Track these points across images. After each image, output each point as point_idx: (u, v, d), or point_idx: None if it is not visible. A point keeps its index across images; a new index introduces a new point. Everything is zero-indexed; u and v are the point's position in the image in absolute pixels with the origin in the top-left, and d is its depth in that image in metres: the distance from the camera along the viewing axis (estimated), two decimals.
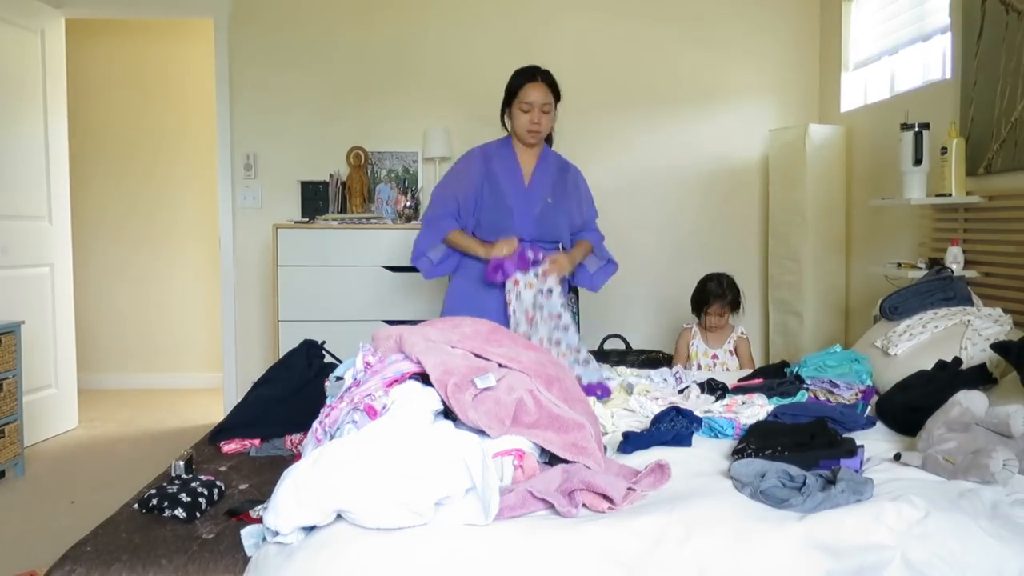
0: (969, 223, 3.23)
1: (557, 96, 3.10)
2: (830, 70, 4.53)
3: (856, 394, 2.42)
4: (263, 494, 1.84)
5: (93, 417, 4.84)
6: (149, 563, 1.55)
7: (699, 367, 3.63)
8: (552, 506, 1.59)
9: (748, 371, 3.13)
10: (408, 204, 4.38)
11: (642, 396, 2.43)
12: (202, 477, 1.92)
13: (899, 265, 3.41)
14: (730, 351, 3.72)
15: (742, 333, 3.77)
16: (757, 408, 2.23)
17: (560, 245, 3.16)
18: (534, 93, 3.04)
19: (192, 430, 4.41)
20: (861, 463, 1.85)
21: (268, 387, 2.53)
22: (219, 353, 5.14)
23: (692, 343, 3.75)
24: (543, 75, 3.07)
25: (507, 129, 3.17)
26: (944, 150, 3.14)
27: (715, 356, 3.73)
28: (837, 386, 2.45)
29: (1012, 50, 2.97)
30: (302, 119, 4.63)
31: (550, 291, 2.90)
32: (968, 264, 3.13)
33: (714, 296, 3.69)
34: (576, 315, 3.81)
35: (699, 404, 2.38)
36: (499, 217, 3.04)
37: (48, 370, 4.43)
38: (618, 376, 2.86)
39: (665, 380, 2.77)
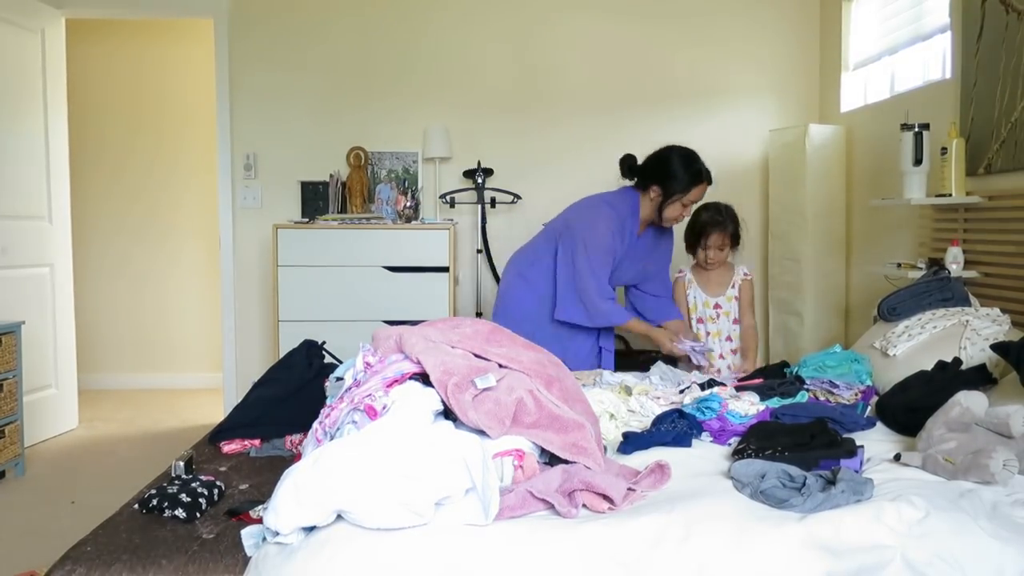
0: (969, 223, 3.23)
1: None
2: (830, 70, 4.53)
3: (856, 394, 2.42)
4: (263, 494, 1.84)
5: (93, 417, 4.85)
6: (149, 563, 1.55)
7: (700, 321, 3.33)
8: (552, 506, 1.59)
9: (747, 371, 3.09)
10: (408, 204, 4.38)
11: (642, 396, 2.43)
12: (202, 477, 1.92)
13: (899, 265, 3.41)
14: (735, 298, 3.30)
15: (746, 274, 3.34)
16: (747, 404, 2.23)
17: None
18: (700, 193, 3.12)
19: (192, 430, 4.41)
20: (861, 463, 1.85)
21: (268, 387, 2.53)
22: (219, 353, 5.14)
23: (689, 293, 3.36)
24: (708, 175, 3.13)
25: (644, 194, 3.17)
26: (944, 150, 3.14)
27: (718, 306, 3.31)
28: (837, 386, 2.45)
29: (1012, 50, 2.97)
30: (302, 119, 4.63)
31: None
32: (968, 264, 3.13)
33: (711, 225, 3.27)
34: None
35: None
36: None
37: (48, 370, 4.43)
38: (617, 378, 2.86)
39: (662, 378, 2.76)
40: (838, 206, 4.22)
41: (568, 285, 3.15)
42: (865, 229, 4.14)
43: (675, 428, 2.09)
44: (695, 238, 3.32)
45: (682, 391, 2.58)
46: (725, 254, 3.31)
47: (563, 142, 4.67)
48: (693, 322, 3.35)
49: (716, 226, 3.26)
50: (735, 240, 3.32)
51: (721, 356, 3.32)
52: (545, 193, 4.53)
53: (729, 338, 3.34)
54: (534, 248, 3.34)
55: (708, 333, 3.34)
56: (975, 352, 2.46)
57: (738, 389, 2.47)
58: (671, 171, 3.08)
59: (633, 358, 3.90)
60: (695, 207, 3.16)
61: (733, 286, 3.31)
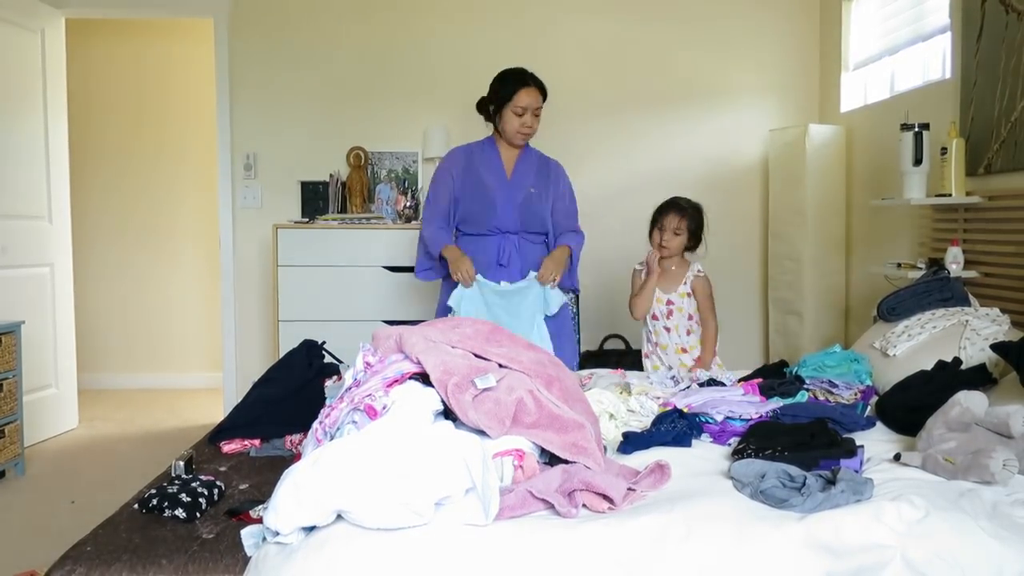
0: (969, 223, 3.23)
1: (545, 95, 3.19)
2: (830, 70, 4.53)
3: (856, 394, 2.42)
4: (263, 494, 1.84)
5: (93, 417, 4.84)
6: (149, 563, 1.55)
7: (655, 317, 3.24)
8: (552, 506, 1.59)
9: (748, 371, 3.06)
10: (408, 204, 4.38)
11: (642, 396, 2.43)
12: (202, 477, 1.92)
13: (899, 265, 3.41)
14: (687, 294, 3.21)
15: (699, 271, 3.23)
16: (749, 406, 2.24)
17: (545, 238, 3.23)
18: (528, 97, 3.11)
19: (192, 430, 4.41)
20: (861, 463, 1.85)
21: (268, 387, 2.53)
22: (219, 353, 5.14)
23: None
24: (534, 79, 3.16)
25: (495, 127, 3.23)
26: (944, 150, 3.14)
27: (670, 302, 3.22)
28: (836, 386, 2.45)
29: (1012, 50, 2.97)
30: (302, 119, 4.63)
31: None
32: (968, 264, 3.13)
33: (669, 206, 3.22)
34: (576, 316, 3.82)
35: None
36: (482, 209, 3.15)
37: (48, 370, 4.43)
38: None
39: (663, 383, 2.74)
40: (838, 206, 4.22)
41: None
42: (865, 229, 4.14)
43: (675, 428, 2.09)
44: (653, 222, 3.28)
45: (683, 391, 2.58)
46: (680, 242, 3.21)
47: (563, 142, 4.64)
48: (647, 318, 3.27)
49: (673, 207, 3.22)
50: (693, 235, 3.22)
51: (684, 351, 3.22)
52: None
53: (689, 332, 3.24)
54: None
55: (667, 329, 3.25)
56: (975, 352, 2.46)
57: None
58: (493, 87, 3.19)
59: (635, 356, 3.90)
60: (534, 118, 3.13)
61: (685, 282, 3.22)
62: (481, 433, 1.74)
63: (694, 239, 3.24)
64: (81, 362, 4.90)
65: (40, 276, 4.39)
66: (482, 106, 3.23)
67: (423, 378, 1.86)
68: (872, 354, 2.74)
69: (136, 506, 1.80)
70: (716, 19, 4.65)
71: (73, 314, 4.66)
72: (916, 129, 3.20)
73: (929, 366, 2.43)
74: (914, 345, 2.63)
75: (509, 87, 3.13)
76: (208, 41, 4.91)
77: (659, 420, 2.16)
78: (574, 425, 1.80)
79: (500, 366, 1.94)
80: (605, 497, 1.61)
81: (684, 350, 3.25)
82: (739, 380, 2.63)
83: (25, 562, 2.73)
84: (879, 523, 1.48)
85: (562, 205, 3.26)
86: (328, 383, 2.51)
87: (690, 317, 3.25)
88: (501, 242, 3.15)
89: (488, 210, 3.14)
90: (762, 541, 1.47)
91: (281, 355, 3.26)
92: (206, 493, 1.81)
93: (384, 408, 1.75)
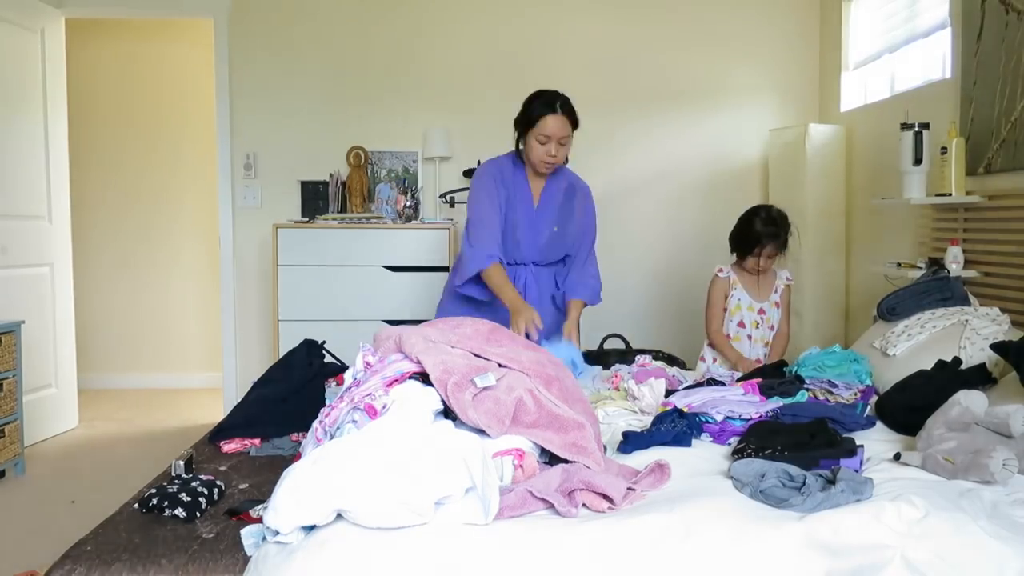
0: (969, 223, 3.23)
1: (575, 124, 2.97)
2: (830, 70, 4.53)
3: (855, 394, 2.42)
4: (263, 494, 1.84)
5: (93, 417, 4.85)
6: (149, 563, 1.55)
7: (741, 324, 3.15)
8: (552, 506, 1.59)
9: (747, 372, 3.05)
10: (408, 204, 4.38)
11: (612, 408, 2.40)
12: (202, 477, 1.92)
13: (899, 265, 3.41)
14: (776, 303, 3.16)
15: (788, 279, 3.21)
16: (749, 406, 2.23)
17: (562, 262, 3.14)
18: (553, 125, 2.89)
19: (192, 430, 4.41)
20: (861, 463, 1.84)
21: (268, 387, 2.53)
22: (219, 353, 5.14)
23: (732, 295, 3.17)
24: (563, 105, 2.91)
25: (518, 151, 3.03)
26: (944, 150, 3.14)
27: (762, 311, 3.16)
28: (836, 386, 2.45)
29: (1012, 50, 2.97)
30: (302, 119, 4.64)
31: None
32: (968, 264, 3.13)
33: (768, 237, 3.06)
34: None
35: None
36: (508, 244, 3.00)
37: (48, 370, 4.43)
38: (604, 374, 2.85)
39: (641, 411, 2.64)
40: (838, 206, 4.22)
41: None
42: (865, 229, 4.14)
43: (675, 428, 2.09)
44: (748, 246, 3.12)
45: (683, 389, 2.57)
46: (775, 260, 3.17)
47: None
48: (733, 325, 3.16)
49: (772, 238, 3.08)
50: (785, 246, 3.16)
51: (758, 361, 3.13)
52: None
53: (766, 343, 3.20)
54: None
55: (750, 337, 3.17)
56: (975, 352, 2.46)
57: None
58: (522, 108, 2.94)
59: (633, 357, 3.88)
60: (560, 146, 2.90)
61: (776, 291, 3.18)
62: (481, 432, 1.74)
63: (784, 246, 3.16)
64: (81, 362, 4.90)
65: (40, 276, 4.39)
66: (516, 124, 3.02)
67: (423, 378, 1.86)
68: (872, 354, 2.74)
69: (136, 506, 1.80)
70: (716, 19, 4.65)
71: (73, 314, 4.66)
72: (916, 129, 3.20)
73: (929, 366, 2.43)
74: (914, 345, 2.63)
75: (535, 111, 2.89)
76: (208, 41, 4.92)
77: (659, 420, 2.16)
78: (574, 424, 1.80)
79: (500, 366, 1.94)
80: (605, 497, 1.61)
81: (759, 361, 3.12)
82: (739, 380, 2.63)
83: (25, 562, 2.73)
84: (879, 523, 1.48)
85: (580, 230, 3.10)
86: (329, 389, 2.51)
87: (771, 328, 3.18)
88: (518, 271, 3.06)
89: (512, 247, 3.01)
90: (762, 541, 1.47)
91: (281, 355, 3.27)
92: (206, 493, 1.81)
93: (384, 407, 1.75)
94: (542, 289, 3.11)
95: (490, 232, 2.93)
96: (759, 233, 3.08)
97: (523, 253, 3.05)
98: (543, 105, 2.89)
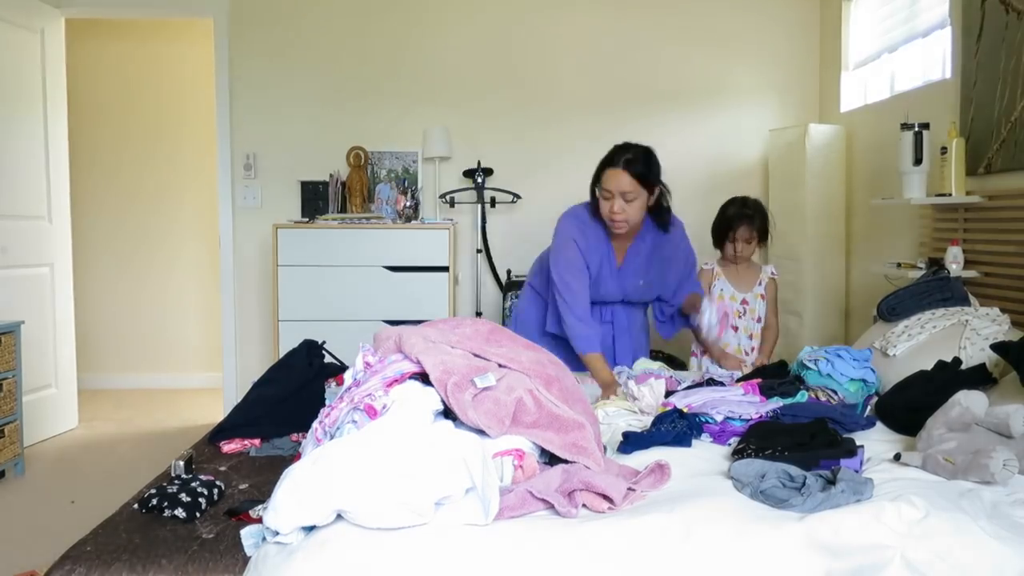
0: (969, 223, 3.23)
1: (648, 179, 2.70)
2: (830, 70, 4.53)
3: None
4: (263, 494, 1.84)
5: (93, 417, 4.85)
6: (149, 563, 1.55)
7: (726, 315, 3.21)
8: (552, 506, 1.59)
9: (758, 365, 3.04)
10: (408, 204, 4.38)
11: (612, 408, 2.40)
12: (202, 477, 1.92)
13: (899, 265, 3.41)
14: (761, 295, 3.27)
15: (772, 273, 3.30)
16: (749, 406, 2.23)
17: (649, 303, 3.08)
18: (613, 180, 2.68)
19: (192, 430, 4.41)
20: (861, 463, 1.84)
21: (268, 387, 2.53)
22: (219, 353, 5.15)
23: (715, 285, 3.27)
24: (627, 161, 2.66)
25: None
26: (944, 150, 3.14)
27: (745, 302, 3.26)
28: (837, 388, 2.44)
29: (1012, 50, 2.97)
30: (302, 119, 4.64)
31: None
32: (968, 264, 3.13)
33: (738, 218, 3.18)
34: None
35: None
36: (592, 291, 2.87)
37: (48, 370, 4.43)
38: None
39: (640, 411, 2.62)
40: (838, 206, 4.22)
41: (552, 298, 2.94)
42: (865, 229, 4.14)
43: (675, 428, 2.09)
44: (722, 232, 3.25)
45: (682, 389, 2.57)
46: (753, 248, 3.26)
47: (563, 142, 4.67)
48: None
49: (743, 219, 3.19)
50: (763, 235, 3.25)
51: (746, 353, 3.28)
52: (545, 193, 4.53)
53: (752, 335, 3.30)
54: (541, 256, 3.17)
55: (736, 328, 3.28)
56: (975, 352, 2.46)
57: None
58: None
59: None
60: (626, 203, 2.70)
61: (760, 283, 3.28)
62: (481, 433, 1.74)
63: (763, 236, 3.27)
64: (81, 362, 4.90)
65: (40, 276, 4.39)
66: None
67: (423, 378, 1.86)
68: (872, 354, 2.74)
69: (136, 506, 1.80)
70: (716, 19, 4.65)
71: (73, 314, 4.66)
72: (916, 129, 3.20)
73: (929, 366, 2.43)
74: (914, 345, 2.63)
75: (600, 164, 2.71)
76: (208, 41, 4.92)
77: (659, 420, 2.16)
78: (574, 425, 1.80)
79: (500, 366, 1.94)
80: (605, 497, 1.61)
81: (747, 353, 3.25)
82: (739, 380, 2.63)
83: (25, 562, 2.73)
84: (879, 523, 1.48)
85: (677, 278, 3.00)
86: (329, 389, 2.51)
87: (758, 320, 3.27)
88: (604, 308, 2.98)
89: (594, 294, 2.87)
90: (762, 541, 1.47)
91: (281, 355, 3.27)
92: (206, 493, 1.81)
93: (384, 408, 1.75)
94: (631, 319, 3.04)
95: (585, 307, 2.80)
96: (731, 216, 3.23)
97: (606, 297, 2.94)
98: (607, 157, 2.72)
